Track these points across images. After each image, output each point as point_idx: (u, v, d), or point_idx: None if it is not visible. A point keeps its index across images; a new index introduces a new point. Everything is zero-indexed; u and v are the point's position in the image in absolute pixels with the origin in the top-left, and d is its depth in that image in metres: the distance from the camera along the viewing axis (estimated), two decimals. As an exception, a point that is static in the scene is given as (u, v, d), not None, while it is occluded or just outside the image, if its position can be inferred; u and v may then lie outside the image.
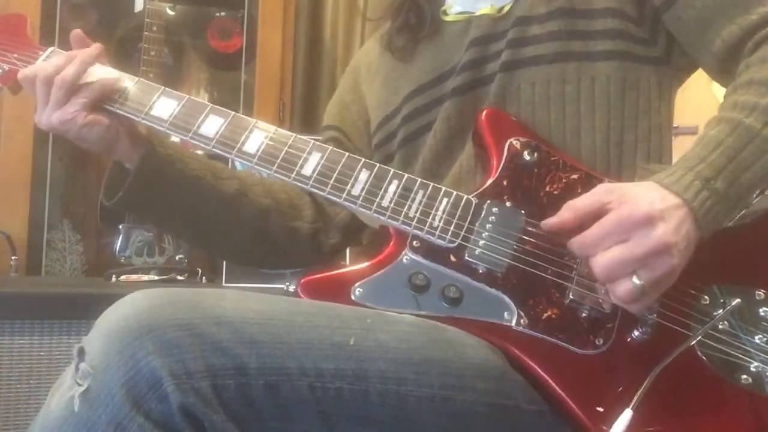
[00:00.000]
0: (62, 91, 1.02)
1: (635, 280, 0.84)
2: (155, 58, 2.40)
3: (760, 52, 0.97)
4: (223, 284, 2.15)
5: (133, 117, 1.04)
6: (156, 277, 2.29)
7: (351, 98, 1.27)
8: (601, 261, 0.85)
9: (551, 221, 0.92)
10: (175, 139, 1.06)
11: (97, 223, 2.57)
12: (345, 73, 1.34)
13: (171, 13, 2.70)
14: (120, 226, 2.48)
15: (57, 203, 2.65)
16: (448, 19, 1.16)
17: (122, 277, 2.27)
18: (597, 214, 0.87)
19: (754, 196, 0.92)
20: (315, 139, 1.05)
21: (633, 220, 0.84)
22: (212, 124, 1.03)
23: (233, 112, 1.04)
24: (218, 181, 1.13)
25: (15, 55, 1.10)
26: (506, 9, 1.10)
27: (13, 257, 2.39)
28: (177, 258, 2.49)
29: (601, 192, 0.89)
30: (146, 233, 2.48)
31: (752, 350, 0.92)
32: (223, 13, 2.81)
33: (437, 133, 1.11)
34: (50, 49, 1.11)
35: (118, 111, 1.05)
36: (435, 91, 1.13)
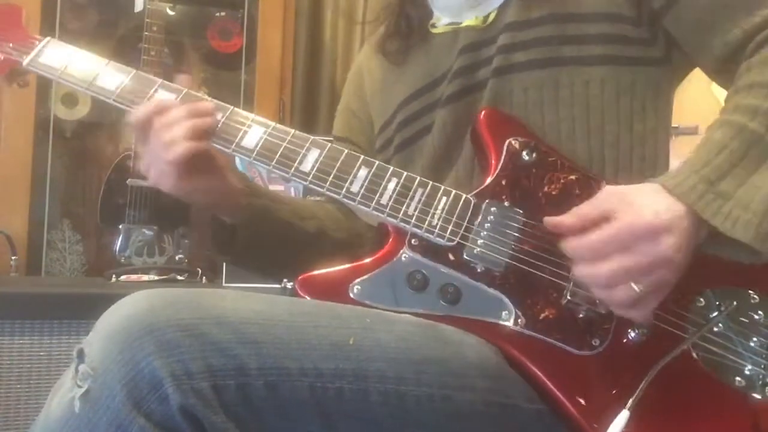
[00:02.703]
0: (165, 152, 0.99)
1: (634, 286, 0.83)
2: (155, 58, 2.40)
3: (762, 54, 0.96)
4: (223, 284, 2.16)
5: None
6: (156, 277, 2.29)
7: (357, 105, 1.27)
8: (603, 269, 0.84)
9: (552, 220, 0.91)
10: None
11: (97, 223, 2.57)
12: (348, 78, 1.34)
13: (171, 13, 2.70)
14: (120, 226, 2.49)
15: (57, 203, 2.66)
16: (435, 31, 1.16)
17: (122, 277, 2.27)
18: (599, 221, 0.86)
19: None
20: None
21: (636, 231, 0.83)
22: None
23: (231, 106, 1.04)
24: (302, 221, 1.16)
25: (10, 45, 1.10)
26: (491, 19, 1.10)
27: (13, 257, 2.39)
28: (177, 258, 2.50)
29: (604, 198, 0.88)
30: (146, 233, 2.48)
31: (746, 353, 0.92)
32: (223, 13, 2.81)
33: (435, 141, 1.11)
34: (46, 39, 1.10)
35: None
36: (427, 97, 1.13)
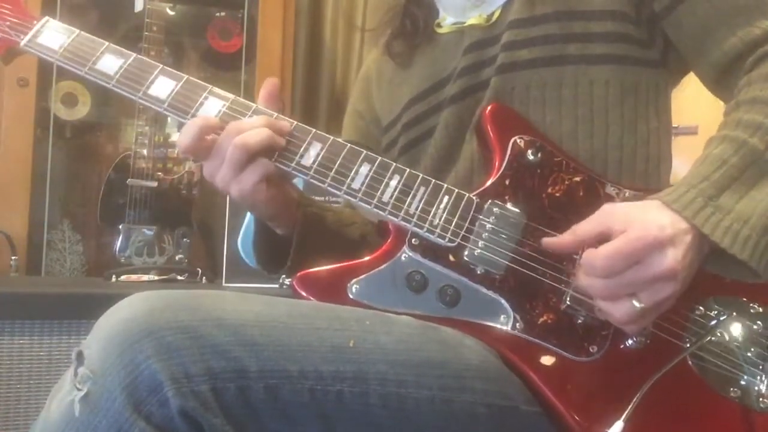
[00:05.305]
0: (240, 153, 0.94)
1: (635, 302, 0.83)
2: (155, 58, 2.39)
3: (763, 69, 0.95)
4: (223, 284, 2.15)
5: None
6: (156, 277, 2.29)
7: (363, 107, 1.27)
8: (608, 281, 0.84)
9: (551, 241, 0.91)
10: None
11: (97, 223, 2.57)
12: (358, 78, 1.34)
13: (171, 13, 2.70)
14: (120, 226, 2.49)
15: (57, 203, 2.66)
16: (441, 31, 1.15)
17: (122, 277, 2.27)
18: (600, 239, 0.86)
19: None
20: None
21: (643, 244, 0.83)
22: (211, 108, 1.00)
23: (233, 96, 1.01)
24: (347, 228, 1.15)
25: (7, 23, 1.06)
26: (495, 17, 1.09)
27: (13, 257, 2.39)
28: (177, 258, 2.50)
29: (603, 216, 0.87)
30: (146, 233, 2.49)
31: (743, 364, 0.92)
32: (223, 13, 2.82)
33: (437, 141, 1.10)
34: (45, 18, 1.06)
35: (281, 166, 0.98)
36: (433, 98, 1.13)
